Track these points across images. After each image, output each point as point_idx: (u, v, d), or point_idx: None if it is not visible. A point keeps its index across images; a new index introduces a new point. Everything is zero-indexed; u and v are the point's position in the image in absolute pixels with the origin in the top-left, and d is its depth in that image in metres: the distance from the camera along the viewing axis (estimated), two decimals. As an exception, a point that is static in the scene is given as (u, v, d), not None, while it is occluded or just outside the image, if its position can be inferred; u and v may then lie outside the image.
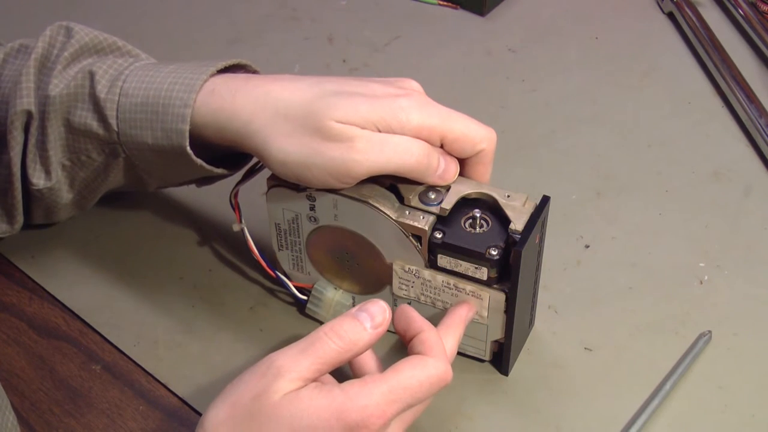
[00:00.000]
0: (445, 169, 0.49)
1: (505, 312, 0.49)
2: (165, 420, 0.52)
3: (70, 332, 0.56)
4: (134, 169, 0.55)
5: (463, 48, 0.77)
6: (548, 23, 0.80)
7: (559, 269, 0.59)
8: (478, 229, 0.49)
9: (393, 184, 0.50)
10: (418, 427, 0.51)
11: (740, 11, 0.78)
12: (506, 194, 0.49)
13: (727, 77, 0.71)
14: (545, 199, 0.49)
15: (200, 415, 0.52)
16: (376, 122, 0.47)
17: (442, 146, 0.49)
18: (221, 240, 0.61)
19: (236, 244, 0.60)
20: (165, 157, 0.52)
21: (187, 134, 0.50)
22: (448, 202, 0.49)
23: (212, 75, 0.51)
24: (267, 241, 0.55)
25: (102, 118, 0.52)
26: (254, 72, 0.55)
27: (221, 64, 0.52)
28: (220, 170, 0.53)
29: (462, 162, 0.50)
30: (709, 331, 0.54)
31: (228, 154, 0.54)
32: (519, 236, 0.47)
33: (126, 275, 0.59)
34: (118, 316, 0.57)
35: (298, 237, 0.53)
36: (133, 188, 0.58)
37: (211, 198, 0.61)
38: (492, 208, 0.49)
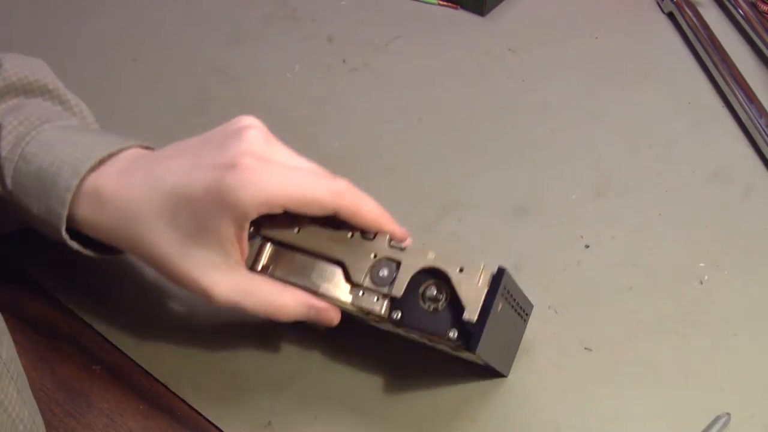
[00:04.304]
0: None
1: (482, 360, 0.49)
2: (165, 420, 0.52)
3: (70, 332, 0.56)
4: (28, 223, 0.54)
5: (463, 48, 0.77)
6: (548, 23, 0.80)
7: (559, 269, 0.59)
8: (437, 302, 0.47)
9: (340, 261, 0.49)
10: (418, 427, 0.51)
11: (740, 11, 0.78)
12: (459, 267, 0.46)
13: (727, 77, 0.71)
14: (500, 272, 0.45)
15: (200, 415, 0.52)
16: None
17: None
18: (221, 240, 0.61)
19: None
20: (48, 229, 0.51)
21: (65, 219, 0.49)
22: (400, 285, 0.47)
23: (93, 168, 0.49)
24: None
25: (0, 174, 0.51)
26: (147, 148, 0.53)
27: (106, 152, 0.50)
28: (96, 255, 0.52)
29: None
30: (728, 414, 0.51)
31: None
32: (473, 326, 0.45)
33: (126, 275, 0.59)
34: (118, 316, 0.57)
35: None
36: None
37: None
38: (447, 277, 0.47)
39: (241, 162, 0.45)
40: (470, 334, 0.45)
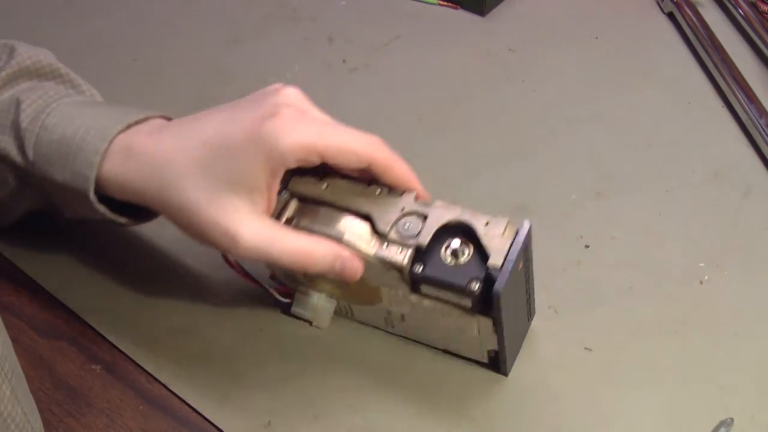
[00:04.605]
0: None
1: (495, 331, 0.49)
2: (165, 420, 0.52)
3: (70, 332, 0.56)
4: (49, 197, 0.54)
5: (463, 48, 0.77)
6: (548, 23, 0.80)
7: (559, 269, 0.59)
8: (459, 257, 0.47)
9: (367, 213, 0.49)
10: (418, 427, 0.51)
11: (740, 11, 0.78)
12: (485, 221, 0.48)
13: (727, 77, 0.71)
14: (526, 225, 0.47)
15: (201, 415, 0.52)
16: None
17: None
18: (221, 240, 0.61)
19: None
20: (73, 197, 0.52)
21: (92, 181, 0.50)
22: (426, 234, 0.48)
23: (122, 131, 0.50)
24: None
25: (21, 146, 0.52)
26: (168, 119, 0.54)
27: (133, 118, 0.51)
28: (123, 219, 0.53)
29: (368, 174, 0.50)
30: (731, 418, 0.51)
31: None
32: (498, 272, 0.46)
33: (126, 275, 0.59)
34: (118, 316, 0.57)
35: None
36: (52, 212, 0.57)
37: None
38: (472, 232, 0.48)
39: (281, 111, 0.47)
40: (492, 281, 0.46)
